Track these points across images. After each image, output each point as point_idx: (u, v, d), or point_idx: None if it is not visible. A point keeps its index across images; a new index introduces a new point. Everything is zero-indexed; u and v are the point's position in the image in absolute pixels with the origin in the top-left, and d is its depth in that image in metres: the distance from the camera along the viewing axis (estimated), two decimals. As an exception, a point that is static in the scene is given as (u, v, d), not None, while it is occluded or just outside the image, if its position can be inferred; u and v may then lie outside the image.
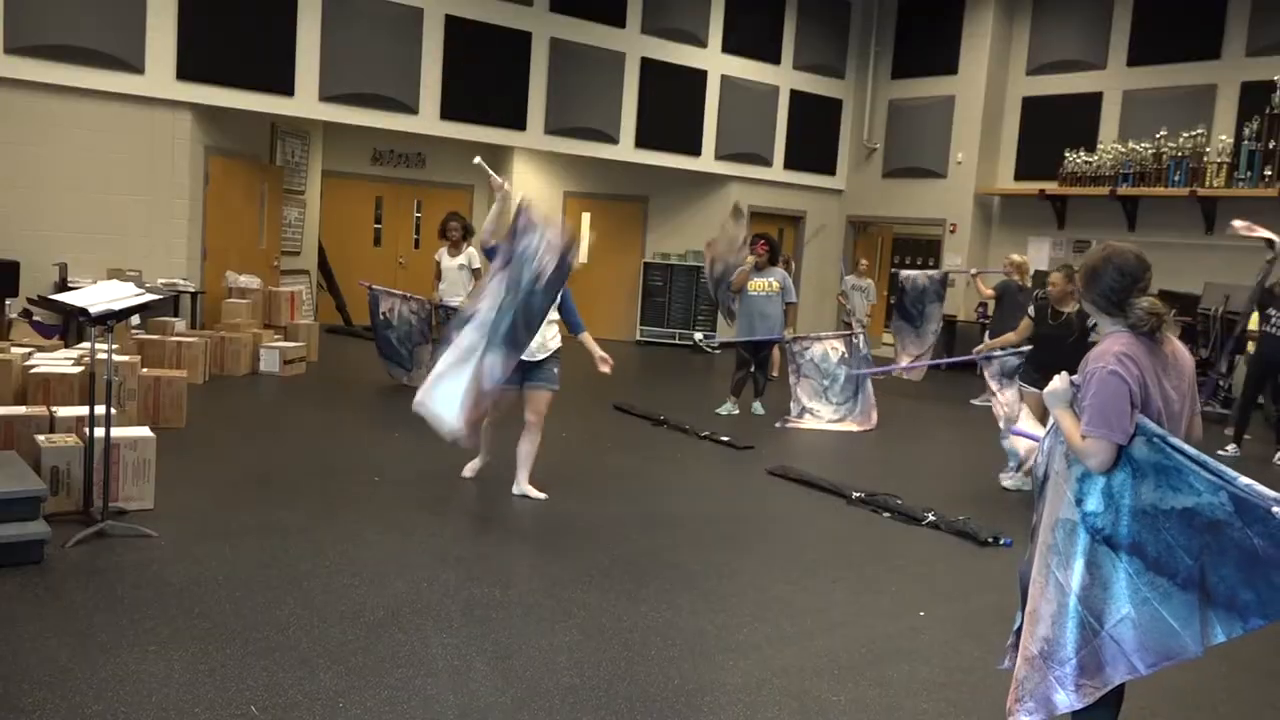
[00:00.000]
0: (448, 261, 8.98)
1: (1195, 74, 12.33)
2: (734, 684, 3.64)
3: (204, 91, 10.14)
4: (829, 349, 9.13)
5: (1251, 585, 2.51)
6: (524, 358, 5.65)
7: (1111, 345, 2.71)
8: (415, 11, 11.46)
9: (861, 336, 9.41)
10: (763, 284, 9.00)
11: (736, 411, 9.11)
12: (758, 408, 9.24)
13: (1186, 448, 2.58)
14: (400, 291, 9.49)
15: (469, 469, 6.23)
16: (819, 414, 8.99)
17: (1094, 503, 2.66)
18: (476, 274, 8.94)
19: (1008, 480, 7.07)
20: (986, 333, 10.55)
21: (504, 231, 5.36)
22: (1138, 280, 2.76)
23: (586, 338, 5.90)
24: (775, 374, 9.20)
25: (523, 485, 5.91)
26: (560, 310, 5.80)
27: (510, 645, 3.81)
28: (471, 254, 8.93)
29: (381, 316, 9.35)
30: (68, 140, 9.56)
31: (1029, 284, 10.25)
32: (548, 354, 5.78)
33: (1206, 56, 12.24)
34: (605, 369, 5.75)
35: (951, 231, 14.46)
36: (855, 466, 7.39)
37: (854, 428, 8.94)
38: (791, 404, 9.01)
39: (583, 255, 14.84)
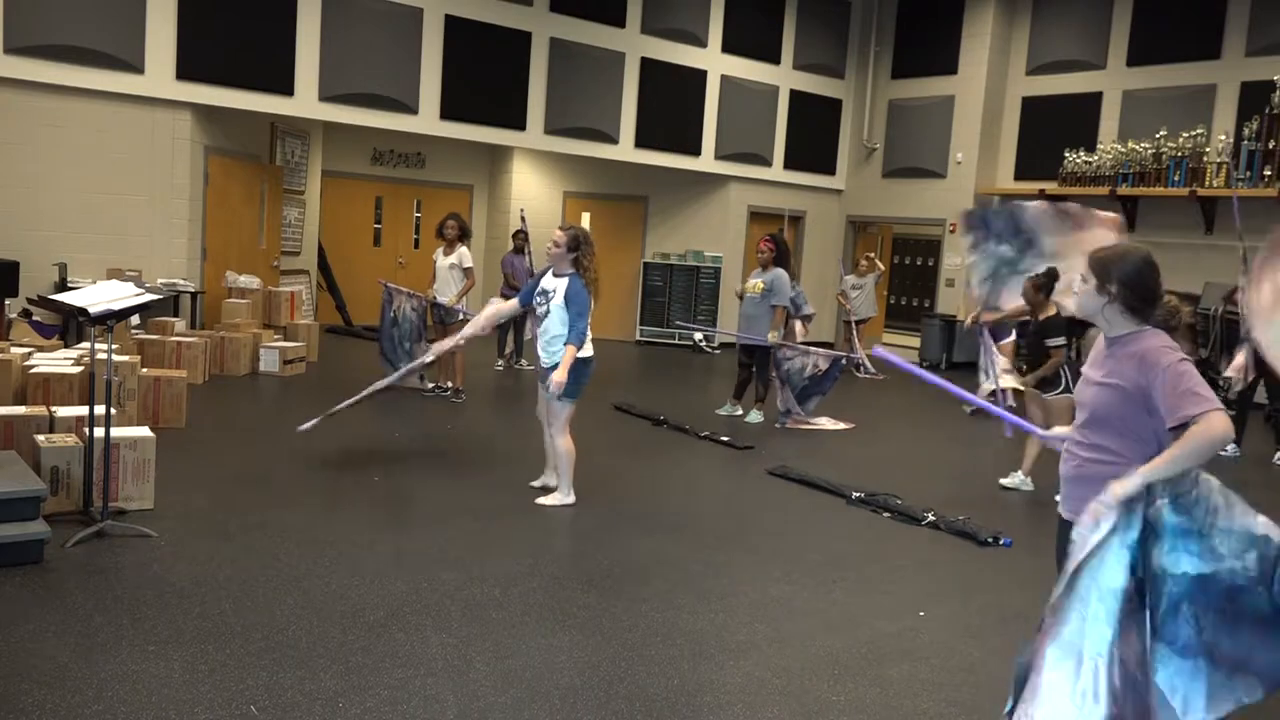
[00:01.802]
0: (441, 261, 8.98)
1: (1195, 74, 12.33)
2: (734, 684, 3.64)
3: (204, 91, 10.14)
4: (810, 365, 8.87)
5: (1266, 648, 2.47)
6: (543, 358, 5.74)
7: (1159, 341, 2.72)
8: (415, 11, 11.46)
9: (861, 361, 9.33)
10: (753, 285, 8.97)
11: (738, 413, 9.09)
12: (752, 416, 8.95)
13: (1220, 509, 2.50)
14: (408, 290, 9.46)
15: (537, 481, 6.11)
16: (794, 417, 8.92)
17: (1131, 568, 2.54)
18: (468, 273, 8.93)
19: (1007, 480, 7.07)
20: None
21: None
22: (1160, 279, 2.82)
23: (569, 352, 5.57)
24: (773, 374, 9.14)
25: (551, 497, 5.87)
26: (569, 300, 5.59)
27: (510, 645, 3.81)
28: (463, 253, 8.93)
29: (391, 315, 9.27)
30: (68, 140, 9.56)
31: None
32: (553, 363, 5.65)
33: (1206, 56, 12.23)
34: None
35: (951, 231, 14.46)
36: (855, 466, 7.39)
37: (843, 426, 8.92)
38: (779, 403, 8.96)
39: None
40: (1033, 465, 6.97)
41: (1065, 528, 2.93)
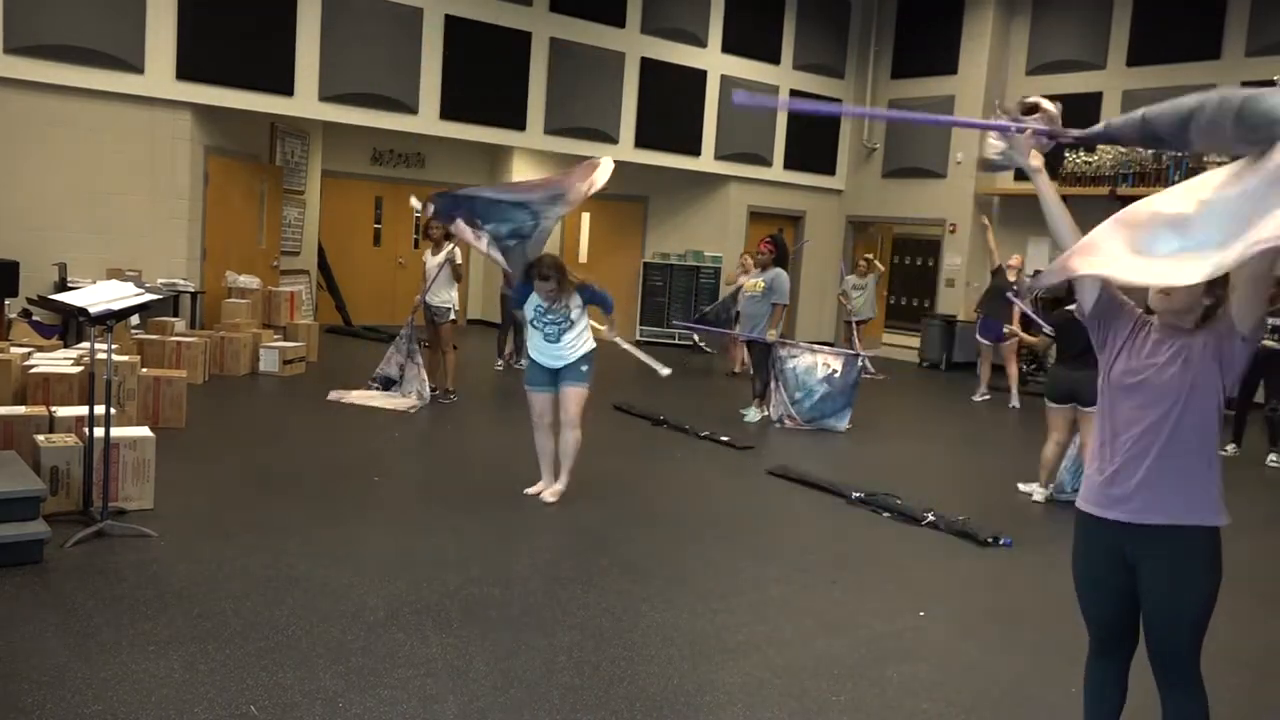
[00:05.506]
0: (430, 261, 8.93)
1: (1195, 74, 12.31)
2: (734, 684, 3.64)
3: (204, 91, 10.14)
4: (821, 364, 8.75)
5: None
6: (551, 364, 5.73)
7: None
8: (415, 11, 11.46)
9: (861, 360, 9.23)
10: (752, 284, 8.98)
11: (765, 413, 9.00)
12: (750, 414, 8.95)
13: None
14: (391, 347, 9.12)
15: (533, 490, 5.97)
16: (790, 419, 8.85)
17: None
18: (457, 268, 8.85)
19: (1026, 486, 6.90)
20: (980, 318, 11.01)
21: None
22: None
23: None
24: (737, 369, 8.99)
25: (554, 487, 5.86)
26: (591, 300, 5.84)
27: (510, 645, 3.81)
28: (454, 251, 8.87)
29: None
30: (68, 140, 9.56)
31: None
32: (577, 357, 5.75)
33: (1206, 56, 12.24)
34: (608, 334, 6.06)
35: (951, 231, 14.46)
36: (855, 466, 7.39)
37: (842, 426, 8.87)
38: (772, 407, 8.92)
39: (582, 255, 14.89)
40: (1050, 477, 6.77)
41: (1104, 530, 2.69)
